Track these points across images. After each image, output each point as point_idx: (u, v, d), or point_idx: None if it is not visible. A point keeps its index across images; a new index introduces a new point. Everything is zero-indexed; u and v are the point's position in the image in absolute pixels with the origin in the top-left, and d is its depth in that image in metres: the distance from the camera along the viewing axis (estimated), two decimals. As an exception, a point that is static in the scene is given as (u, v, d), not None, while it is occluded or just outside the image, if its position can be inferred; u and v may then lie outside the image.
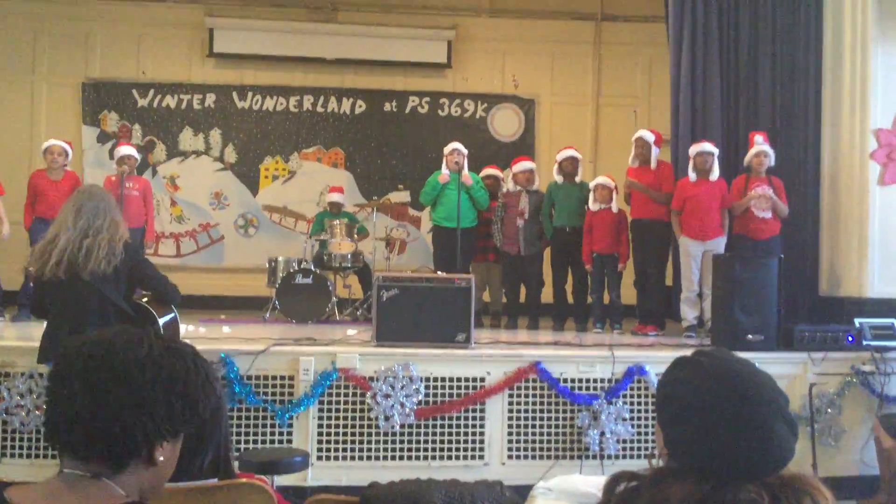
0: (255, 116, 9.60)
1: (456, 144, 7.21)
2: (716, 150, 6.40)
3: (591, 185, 6.84)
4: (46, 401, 1.34)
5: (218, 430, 1.93)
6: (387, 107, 9.72)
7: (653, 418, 4.90)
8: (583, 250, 6.78)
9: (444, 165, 7.15)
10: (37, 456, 4.66)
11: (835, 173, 6.48)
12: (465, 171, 7.04)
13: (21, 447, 4.67)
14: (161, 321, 4.04)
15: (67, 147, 7.07)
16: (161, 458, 1.33)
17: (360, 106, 9.71)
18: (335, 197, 8.37)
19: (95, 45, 9.44)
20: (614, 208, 6.73)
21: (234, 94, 9.58)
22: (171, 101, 9.51)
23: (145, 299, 4.10)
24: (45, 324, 4.01)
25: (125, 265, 3.86)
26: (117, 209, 3.98)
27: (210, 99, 9.55)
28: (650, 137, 6.65)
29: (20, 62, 9.34)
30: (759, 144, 6.35)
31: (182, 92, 9.52)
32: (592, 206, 6.77)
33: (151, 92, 9.48)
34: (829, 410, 5.11)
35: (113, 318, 3.82)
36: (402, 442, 4.82)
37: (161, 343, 1.35)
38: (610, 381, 4.96)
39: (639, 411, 4.97)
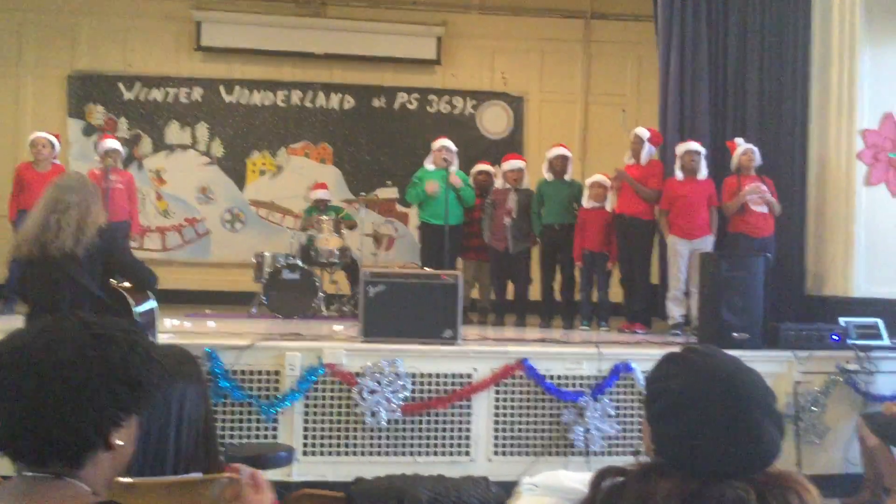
0: (242, 111, 9.54)
1: (446, 142, 7.17)
2: (702, 150, 6.40)
3: (588, 182, 6.83)
4: None
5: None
6: (375, 103, 9.69)
7: (638, 415, 4.91)
8: (574, 247, 6.78)
9: (430, 159, 7.14)
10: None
11: (822, 173, 6.51)
12: (454, 170, 7.02)
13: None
14: (137, 309, 3.91)
15: (54, 139, 6.93)
16: (119, 442, 1.30)
17: (349, 101, 9.67)
18: (321, 193, 8.39)
19: (81, 38, 9.34)
20: (608, 207, 6.72)
21: (222, 88, 9.51)
22: (157, 94, 9.43)
23: (125, 285, 4.00)
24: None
25: (100, 252, 3.76)
26: (96, 196, 3.85)
27: (197, 93, 9.48)
28: (645, 134, 6.63)
29: (5, 54, 9.23)
30: (743, 144, 6.37)
31: (169, 85, 9.45)
32: (586, 203, 6.76)
33: (138, 85, 9.40)
34: (814, 409, 5.14)
35: (88, 307, 3.71)
36: (388, 438, 4.80)
37: (88, 333, 1.28)
38: (596, 378, 4.96)
39: (624, 408, 4.98)
